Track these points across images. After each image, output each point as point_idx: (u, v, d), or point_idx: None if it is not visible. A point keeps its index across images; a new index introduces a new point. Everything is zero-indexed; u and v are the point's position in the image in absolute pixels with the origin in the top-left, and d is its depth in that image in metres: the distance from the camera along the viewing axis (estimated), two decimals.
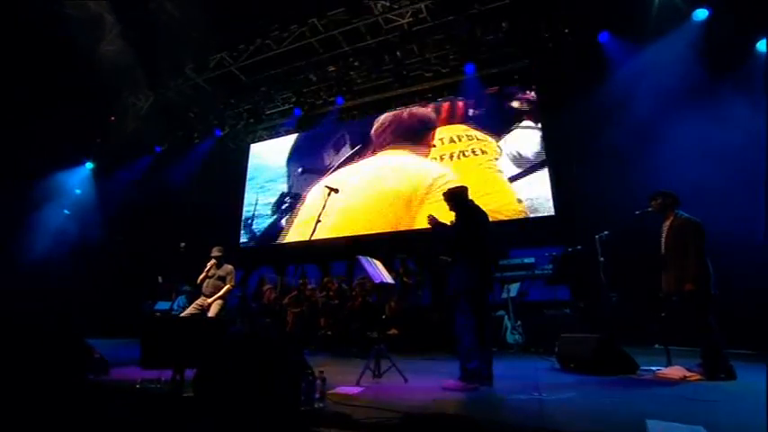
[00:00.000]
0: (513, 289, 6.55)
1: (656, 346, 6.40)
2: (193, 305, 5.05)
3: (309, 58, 9.96)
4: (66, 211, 10.51)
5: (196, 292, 9.24)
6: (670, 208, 3.68)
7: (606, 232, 4.52)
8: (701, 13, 6.15)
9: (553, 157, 9.43)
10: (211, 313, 4.84)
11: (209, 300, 4.98)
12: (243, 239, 12.61)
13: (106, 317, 9.71)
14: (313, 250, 11.44)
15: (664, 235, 3.67)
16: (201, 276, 5.21)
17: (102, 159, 10.71)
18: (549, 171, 9.32)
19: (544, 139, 9.56)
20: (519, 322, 6.15)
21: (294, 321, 7.47)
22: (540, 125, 9.67)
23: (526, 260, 7.26)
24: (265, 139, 13.05)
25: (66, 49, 8.77)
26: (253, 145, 13.26)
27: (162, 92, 10.13)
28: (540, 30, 8.71)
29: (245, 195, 13.01)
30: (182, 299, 9.20)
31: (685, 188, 6.58)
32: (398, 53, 9.47)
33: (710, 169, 6.35)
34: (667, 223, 3.67)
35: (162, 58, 9.46)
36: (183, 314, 4.95)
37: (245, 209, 12.88)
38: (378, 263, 3.71)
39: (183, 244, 5.68)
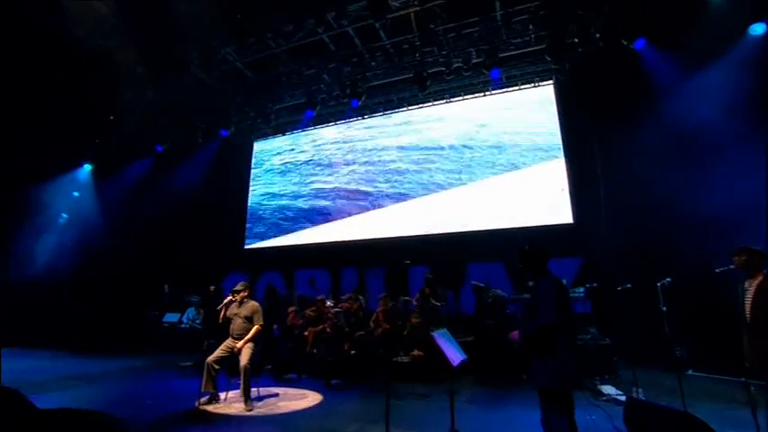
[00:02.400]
0: None
1: (690, 371, 6.28)
2: (222, 348, 4.68)
3: (321, 55, 9.37)
4: (64, 215, 9.93)
5: (204, 304, 8.94)
6: (757, 266, 3.38)
7: (668, 279, 4.23)
8: (758, 28, 5.75)
9: (574, 164, 9.20)
10: (244, 360, 4.49)
11: (239, 344, 4.61)
12: (248, 241, 12.20)
13: (109, 329, 9.32)
14: (323, 255, 11.11)
15: (750, 296, 3.37)
16: (222, 315, 4.82)
17: (102, 160, 10.07)
18: (569, 178, 9.11)
19: (565, 142, 9.32)
20: None
21: (314, 341, 7.18)
22: (560, 129, 9.44)
23: None
24: (270, 137, 12.49)
25: (61, 43, 8.06)
26: (256, 143, 12.71)
27: (164, 89, 9.44)
28: (569, 32, 8.24)
29: (249, 195, 12.54)
30: (191, 311, 8.86)
31: (717, 207, 6.44)
32: (417, 55, 8.94)
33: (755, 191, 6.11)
34: (754, 283, 3.37)
35: (164, 52, 8.77)
36: (210, 357, 4.58)
37: (249, 209, 12.43)
38: (449, 336, 3.36)
39: (212, 287, 5.30)
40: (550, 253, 3.10)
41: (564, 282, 5.72)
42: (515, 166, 9.64)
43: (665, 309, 4.17)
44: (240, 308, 4.84)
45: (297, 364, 6.46)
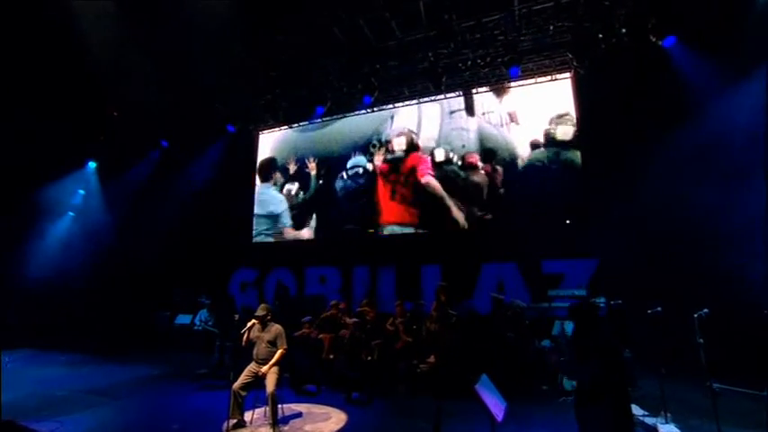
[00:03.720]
0: (569, 328, 6.23)
1: (707, 383, 6.30)
2: (246, 374, 4.62)
3: (331, 49, 8.96)
4: (70, 213, 9.74)
5: (217, 306, 8.91)
6: None
7: (706, 310, 4.14)
8: None
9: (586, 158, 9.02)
10: (270, 387, 4.44)
11: (264, 369, 4.56)
12: (255, 236, 12.08)
13: (122, 330, 9.30)
14: (333, 251, 11.00)
15: None
16: (245, 338, 4.76)
17: (106, 158, 9.79)
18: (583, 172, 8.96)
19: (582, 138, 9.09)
20: None
21: (330, 347, 7.15)
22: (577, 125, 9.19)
23: (577, 292, 6.99)
24: (276, 128, 12.15)
25: (61, 37, 7.64)
26: (262, 135, 12.38)
27: (168, 84, 9.06)
28: (592, 28, 7.87)
29: (256, 188, 12.32)
30: (203, 313, 8.78)
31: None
32: (430, 54, 8.58)
33: None
34: None
35: (168, 43, 8.34)
36: (236, 385, 4.53)
37: (256, 203, 12.25)
38: (490, 383, 3.26)
39: (236, 316, 5.22)
40: (599, 306, 2.99)
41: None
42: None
43: (701, 341, 4.10)
44: (263, 331, 4.76)
45: (315, 375, 6.45)
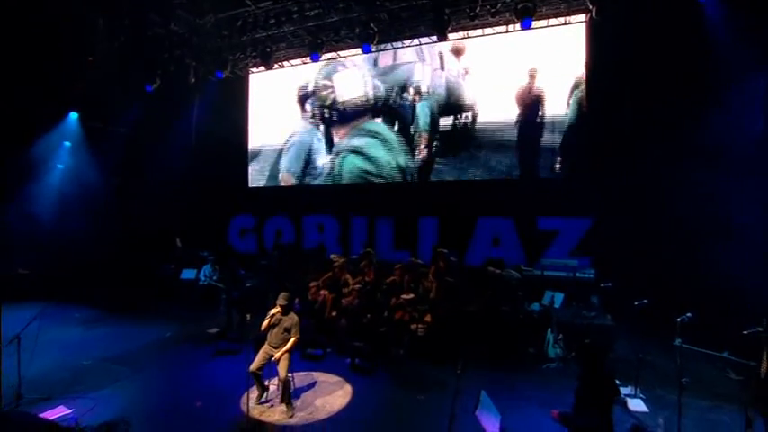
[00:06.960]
0: (558, 300, 6.63)
1: (677, 342, 6.92)
2: (261, 356, 4.99)
3: None
4: (59, 166, 9.42)
5: (220, 259, 9.15)
6: None
7: (689, 314, 4.43)
8: None
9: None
10: (282, 373, 4.83)
11: (277, 354, 4.95)
12: (251, 181, 11.97)
13: (123, 284, 9.56)
14: (331, 199, 11.04)
15: None
16: (266, 324, 5.06)
17: (88, 107, 9.15)
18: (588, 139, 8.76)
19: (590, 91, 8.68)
20: (561, 335, 6.42)
21: (332, 306, 7.55)
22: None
23: (569, 262, 7.27)
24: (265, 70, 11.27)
25: None
26: (253, 75, 11.55)
27: (148, 22, 8.14)
28: None
29: (249, 131, 11.90)
30: (207, 268, 9.06)
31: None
32: None
33: None
34: None
35: None
36: (253, 366, 4.94)
37: (250, 147, 11.92)
38: (489, 402, 3.53)
39: (248, 316, 5.38)
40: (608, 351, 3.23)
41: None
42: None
43: (679, 341, 4.45)
44: (283, 316, 5.07)
45: (320, 338, 6.92)
